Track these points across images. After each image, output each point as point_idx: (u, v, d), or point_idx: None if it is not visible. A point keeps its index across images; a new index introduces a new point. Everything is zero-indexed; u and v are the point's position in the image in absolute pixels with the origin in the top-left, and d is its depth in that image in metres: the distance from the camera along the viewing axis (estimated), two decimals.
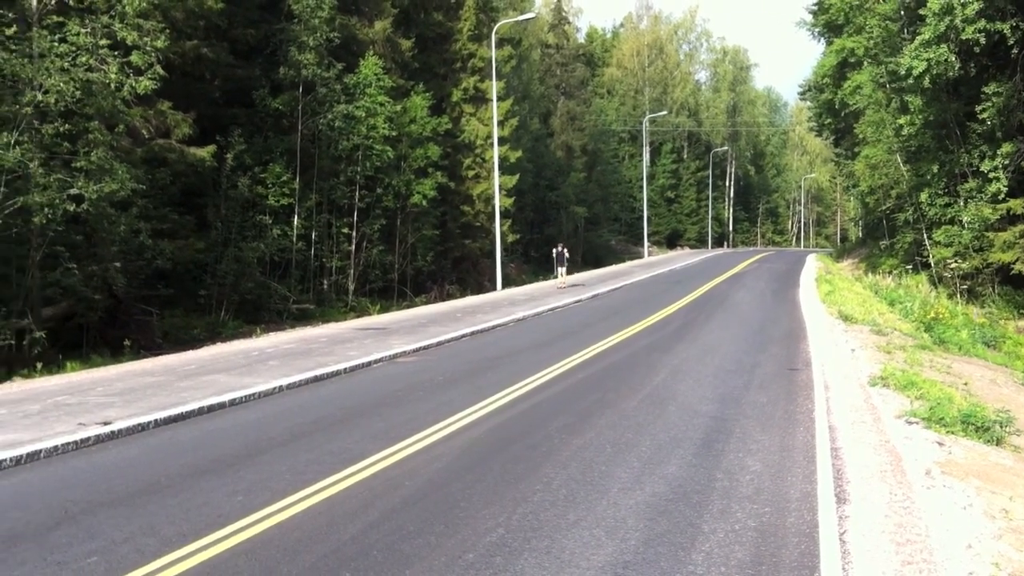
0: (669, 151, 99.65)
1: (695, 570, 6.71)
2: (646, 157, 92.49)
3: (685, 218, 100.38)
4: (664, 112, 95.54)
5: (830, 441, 10.78)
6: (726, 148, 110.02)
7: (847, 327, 22.60)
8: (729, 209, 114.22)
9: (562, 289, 35.51)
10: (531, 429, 11.38)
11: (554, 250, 38.63)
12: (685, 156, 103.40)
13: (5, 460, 9.78)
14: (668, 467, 9.52)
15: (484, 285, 44.26)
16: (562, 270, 37.38)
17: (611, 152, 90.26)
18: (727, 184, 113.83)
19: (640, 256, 74.85)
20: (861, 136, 51.05)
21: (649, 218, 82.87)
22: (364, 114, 34.39)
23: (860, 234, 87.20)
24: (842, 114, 58.43)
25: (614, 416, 12.10)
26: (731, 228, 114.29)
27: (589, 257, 70.66)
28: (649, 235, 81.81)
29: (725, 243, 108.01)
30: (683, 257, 69.86)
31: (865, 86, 47.75)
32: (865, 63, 47.29)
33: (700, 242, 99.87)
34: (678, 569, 6.71)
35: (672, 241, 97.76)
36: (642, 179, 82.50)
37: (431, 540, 7.31)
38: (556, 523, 7.72)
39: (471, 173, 47.04)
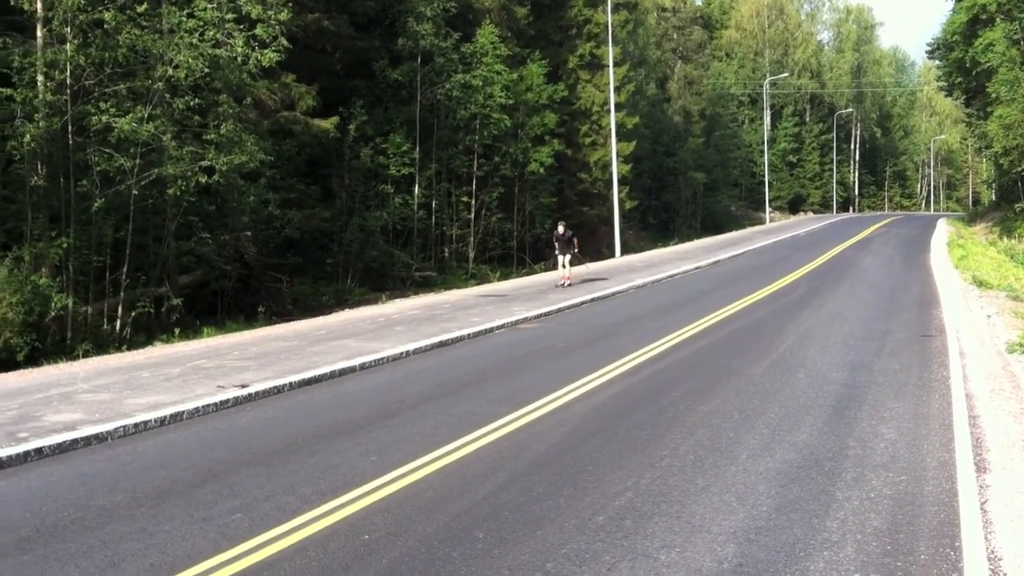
0: (791, 114, 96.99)
1: (830, 537, 6.62)
2: (767, 121, 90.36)
3: (808, 182, 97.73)
4: (785, 74, 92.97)
5: (967, 409, 10.44)
6: (850, 110, 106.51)
7: (981, 293, 21.78)
8: (854, 173, 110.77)
9: (563, 287, 24.54)
10: (655, 395, 11.36)
11: (555, 232, 26.20)
12: (808, 119, 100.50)
13: (151, 421, 10.26)
14: (798, 434, 9.38)
15: (602, 252, 44.05)
16: (564, 258, 25.11)
17: (730, 116, 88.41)
18: (852, 147, 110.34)
19: (761, 222, 73.36)
20: (994, 95, 48.78)
21: (770, 183, 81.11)
22: (481, 83, 34.53)
23: (993, 197, 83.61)
24: (973, 73, 55.91)
25: (740, 383, 11.97)
26: (856, 192, 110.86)
27: (708, 223, 69.68)
28: (770, 200, 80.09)
29: (850, 208, 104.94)
30: (806, 222, 68.19)
31: (998, 43, 45.59)
32: (998, 19, 45.13)
33: (824, 207, 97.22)
34: (812, 536, 6.63)
35: (794, 206, 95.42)
36: (763, 143, 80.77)
37: (560, 502, 7.39)
38: (685, 488, 7.70)
39: (588, 140, 46.80)
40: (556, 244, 25.41)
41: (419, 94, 33.60)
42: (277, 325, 19.31)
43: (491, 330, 17.24)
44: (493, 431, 9.68)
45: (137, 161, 19.88)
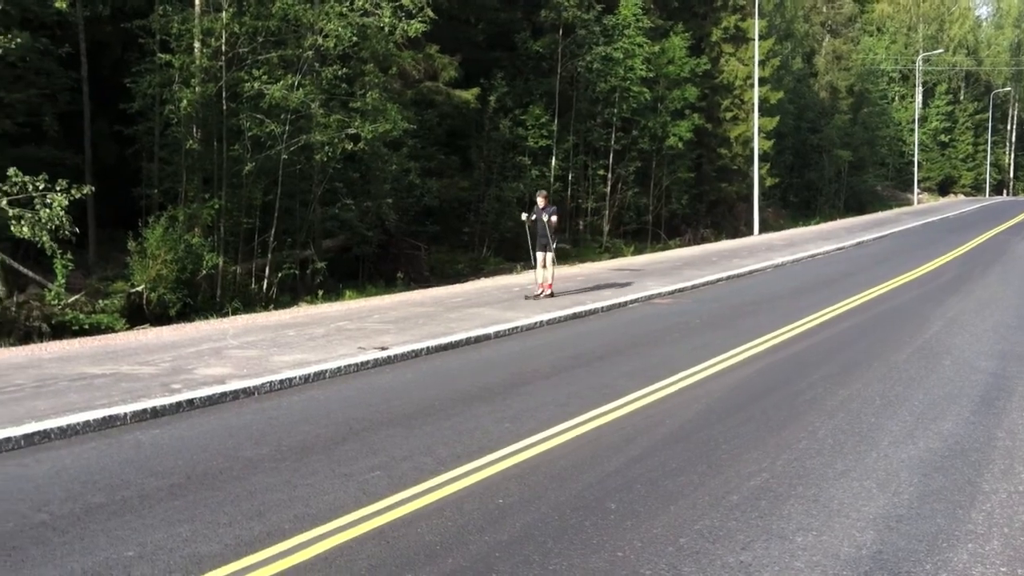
0: (944, 92, 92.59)
1: (975, 529, 6.38)
2: (918, 98, 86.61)
3: (960, 164, 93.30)
4: (939, 51, 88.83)
5: None
6: (1008, 89, 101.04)
7: None
8: (1010, 155, 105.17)
9: (535, 298, 17.34)
10: (792, 377, 11.13)
11: (529, 214, 18.01)
12: (962, 97, 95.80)
13: (295, 378, 10.65)
14: (943, 423, 9.05)
15: (740, 230, 43.30)
16: (545, 256, 17.49)
17: (879, 93, 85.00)
18: (1008, 128, 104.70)
19: (908, 203, 70.66)
20: None
21: (919, 163, 77.92)
22: (622, 55, 34.23)
23: None
24: None
25: (882, 368, 11.61)
26: (1011, 175, 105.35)
27: (851, 203, 67.41)
28: (919, 181, 76.98)
29: (1004, 191, 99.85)
30: (956, 205, 65.35)
31: None
32: None
33: (976, 190, 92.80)
34: (956, 527, 6.41)
35: (944, 188, 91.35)
36: (913, 122, 77.55)
37: (694, 479, 7.34)
38: (823, 472, 7.54)
39: (729, 115, 45.86)
40: (532, 227, 17.59)
41: (559, 66, 33.55)
42: (415, 291, 19.74)
43: (625, 304, 17.19)
44: (626, 404, 9.67)
45: (286, 127, 20.53)
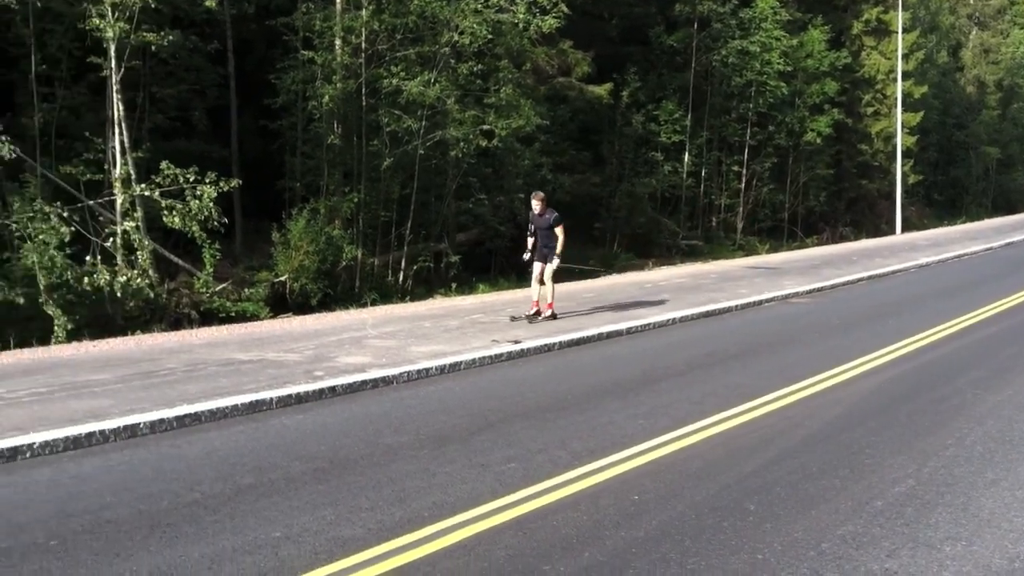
0: None
1: None
2: None
3: None
4: None
5: None
6: None
7: None
8: None
9: (525, 319, 14.36)
10: (937, 381, 10.72)
11: (530, 213, 14.74)
12: None
13: (432, 368, 10.84)
14: None
15: (881, 228, 41.93)
16: (545, 267, 14.28)
17: None
18: None
19: None
20: None
21: None
22: (759, 49, 33.56)
23: None
24: None
25: None
26: None
27: (1000, 202, 64.45)
28: None
29: None
30: None
31: None
32: None
33: None
34: None
35: None
36: None
37: (835, 483, 7.16)
38: (972, 480, 7.25)
39: (870, 110, 44.40)
40: (532, 235, 14.53)
41: (693, 60, 33.14)
42: None
43: (760, 303, 16.87)
44: (763, 405, 9.49)
45: (423, 123, 20.88)
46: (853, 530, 6.22)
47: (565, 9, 23.55)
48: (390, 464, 7.48)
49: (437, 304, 16.67)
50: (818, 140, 37.05)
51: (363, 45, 21.02)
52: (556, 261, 14.08)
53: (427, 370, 10.76)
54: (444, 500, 6.66)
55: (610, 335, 13.41)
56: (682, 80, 32.96)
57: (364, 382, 10.10)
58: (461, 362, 11.20)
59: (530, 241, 14.47)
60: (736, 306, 16.22)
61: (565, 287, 19.06)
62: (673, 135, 31.63)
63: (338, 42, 20.67)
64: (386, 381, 10.29)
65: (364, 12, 20.57)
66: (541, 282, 14.26)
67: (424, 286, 20.87)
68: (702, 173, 34.00)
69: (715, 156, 34.81)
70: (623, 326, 13.79)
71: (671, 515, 6.46)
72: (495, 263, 24.44)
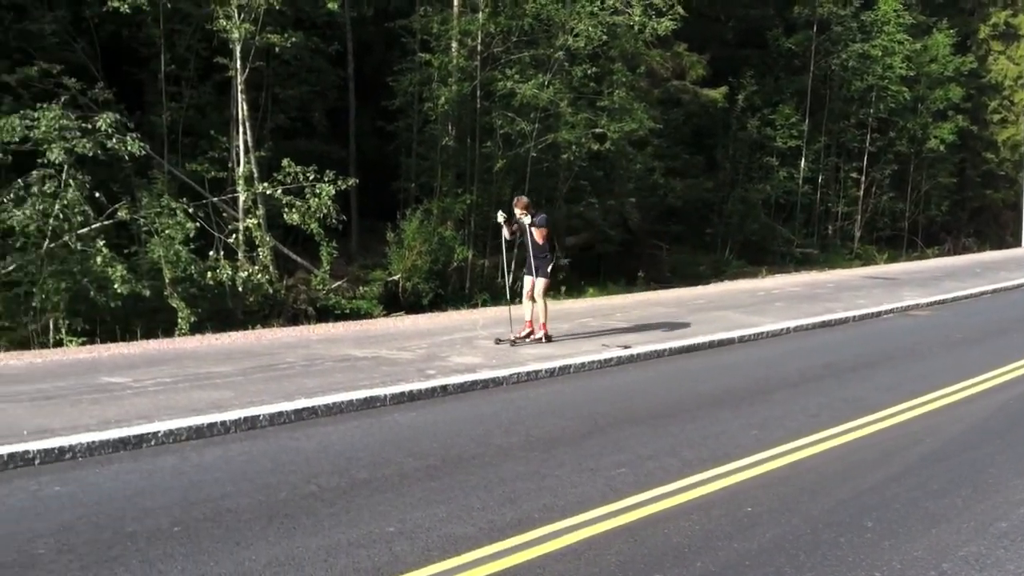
0: None
1: None
2: None
3: None
4: None
5: None
6: None
7: None
8: None
9: (510, 343, 12.41)
10: None
11: (508, 223, 12.70)
12: None
13: (541, 371, 10.87)
14: None
15: (1006, 240, 40.34)
16: (534, 283, 12.72)
17: None
18: None
19: None
20: None
21: None
22: (880, 53, 32.63)
23: None
24: None
25: None
26: None
27: None
28: None
29: None
30: None
31: None
32: None
33: None
34: None
35: None
36: None
37: (957, 502, 6.92)
38: None
39: (996, 117, 42.69)
40: (509, 236, 12.92)
41: (812, 64, 32.42)
42: (656, 291, 19.70)
43: (878, 314, 16.42)
44: (881, 419, 9.23)
45: (536, 125, 20.97)
46: (976, 551, 6.02)
47: (681, 11, 23.32)
48: (501, 465, 7.53)
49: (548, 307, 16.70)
50: (941, 148, 35.78)
51: (479, 48, 21.23)
52: (543, 280, 12.49)
53: (536, 372, 10.80)
54: (554, 503, 6.67)
55: (721, 343, 13.23)
56: (800, 84, 32.29)
57: (475, 382, 10.19)
58: (570, 365, 11.21)
59: (503, 229, 12.76)
60: (853, 317, 15.82)
61: (674, 293, 18.91)
62: (789, 140, 31.00)
63: (454, 45, 20.91)
64: (496, 382, 10.37)
65: (480, 15, 20.76)
66: (532, 299, 12.60)
67: None
68: (819, 179, 33.24)
69: (832, 162, 34.00)
70: (735, 334, 13.59)
71: (785, 528, 6.34)
72: (604, 267, 24.38)
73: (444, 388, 9.90)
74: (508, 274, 13.84)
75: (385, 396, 9.39)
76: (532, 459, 7.70)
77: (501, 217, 12.60)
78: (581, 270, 23.23)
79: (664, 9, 22.96)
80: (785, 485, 7.24)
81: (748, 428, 8.82)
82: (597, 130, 21.72)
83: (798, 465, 7.76)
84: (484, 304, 18.10)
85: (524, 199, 12.94)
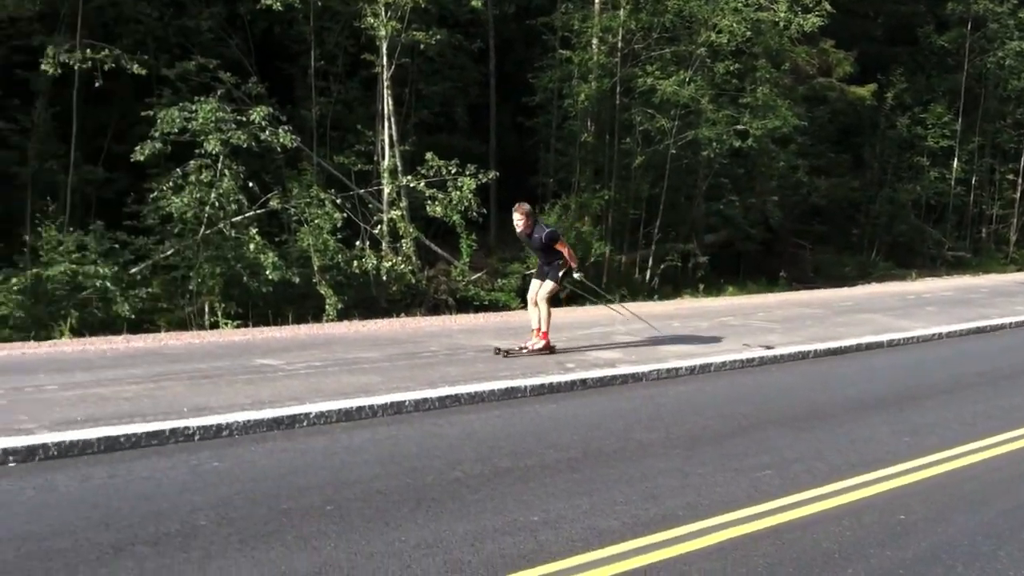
0: None
1: None
2: None
3: None
4: None
5: None
6: None
7: None
8: None
9: (504, 354, 11.07)
10: None
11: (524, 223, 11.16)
12: None
13: (682, 368, 10.77)
14: None
15: None
16: (540, 287, 11.29)
17: None
18: None
19: None
20: None
21: None
22: None
23: None
24: None
25: None
26: None
27: None
28: None
29: None
30: None
31: None
32: None
33: None
34: None
35: None
36: None
37: None
38: None
39: None
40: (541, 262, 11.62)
41: (966, 62, 31.05)
42: (799, 291, 19.31)
43: None
44: None
45: (676, 122, 20.76)
46: None
47: (828, 8, 22.68)
48: (642, 460, 7.49)
49: (685, 304, 16.56)
50: None
51: (619, 44, 21.13)
52: (550, 284, 11.17)
53: (677, 369, 10.70)
54: (698, 501, 6.59)
55: (869, 346, 12.85)
56: (952, 82, 30.97)
57: (614, 377, 10.17)
58: (711, 363, 11.07)
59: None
60: (1011, 323, 15.15)
61: (818, 294, 18.46)
62: (941, 140, 29.78)
63: (595, 41, 20.87)
64: (636, 377, 10.32)
65: (622, 12, 20.66)
66: (532, 303, 11.35)
67: (670, 285, 20.79)
68: (972, 181, 31.84)
69: (987, 163, 32.52)
70: (883, 338, 13.17)
71: (941, 538, 6.11)
72: (744, 266, 23.98)
73: (583, 382, 9.91)
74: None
75: (526, 387, 9.46)
76: (674, 456, 7.63)
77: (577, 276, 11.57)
78: (720, 268, 22.92)
79: (811, 5, 22.39)
80: (940, 494, 6.99)
81: (899, 434, 8.54)
82: (739, 127, 21.34)
83: (954, 474, 7.47)
84: (623, 300, 18.01)
85: (526, 206, 11.25)
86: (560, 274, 11.21)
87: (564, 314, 14.70)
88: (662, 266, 20.83)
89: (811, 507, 6.59)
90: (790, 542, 5.95)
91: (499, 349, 11.28)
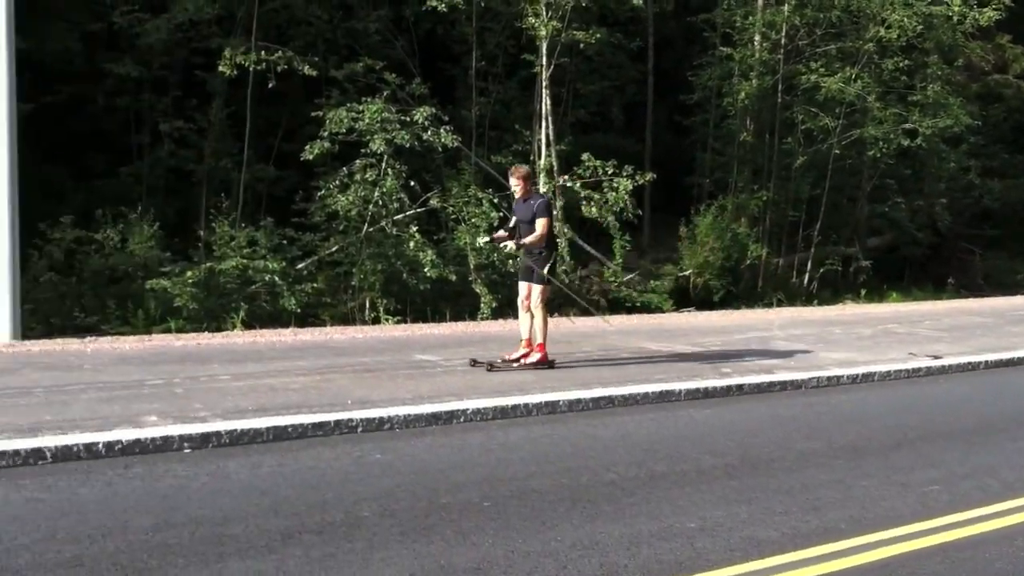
0: None
1: None
2: None
3: None
4: None
5: None
6: None
7: None
8: None
9: (487, 367, 9.97)
10: None
11: (515, 212, 10.55)
12: None
13: (843, 376, 10.49)
14: None
15: None
16: (530, 290, 10.12)
17: None
18: None
19: None
20: None
21: None
22: None
23: None
24: None
25: None
26: None
27: None
28: None
29: None
30: None
31: None
32: None
33: None
34: None
35: None
36: None
37: None
38: None
39: None
40: (508, 228, 10.54)
41: None
42: (968, 299, 18.47)
43: None
44: None
45: (840, 121, 20.19)
46: None
47: (1007, 1, 21.58)
48: (802, 470, 7.32)
49: (847, 310, 16.11)
50: None
51: (782, 41, 20.68)
52: (539, 288, 9.95)
53: (838, 377, 10.43)
54: (862, 515, 6.40)
55: None
56: None
57: (772, 383, 9.98)
58: (874, 372, 10.74)
59: (500, 233, 10.70)
60: None
61: (990, 302, 17.59)
62: None
63: (757, 38, 20.49)
64: (795, 384, 10.10)
65: (786, 7, 20.20)
66: (527, 309, 10.14)
67: (830, 290, 20.23)
68: None
69: None
70: None
71: None
72: (909, 271, 23.09)
73: (740, 387, 9.77)
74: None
75: (680, 391, 9.40)
76: (836, 467, 7.43)
77: (483, 241, 10.84)
78: (883, 274, 22.12)
79: None
80: None
81: None
82: (907, 126, 20.56)
83: None
84: (778, 304, 17.67)
85: (525, 168, 10.32)
86: (546, 269, 9.97)
87: (719, 318, 14.52)
88: (821, 270, 20.27)
89: (982, 525, 6.30)
90: (959, 561, 5.72)
91: (476, 361, 10.07)
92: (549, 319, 10.26)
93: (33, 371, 9.19)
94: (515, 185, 10.04)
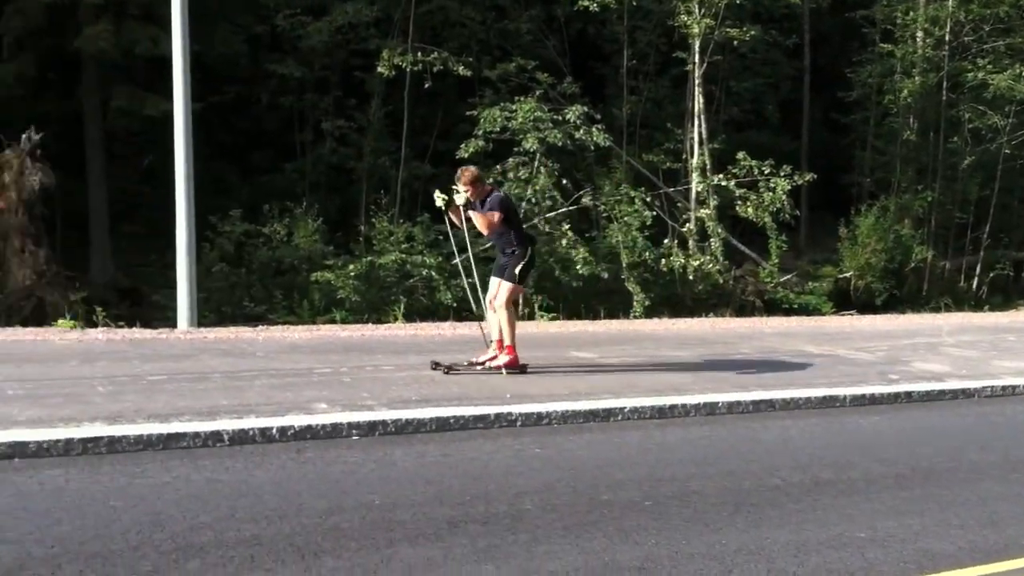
0: None
1: None
2: None
3: None
4: None
5: None
6: None
7: None
8: None
9: (445, 370, 9.19)
10: None
11: (450, 210, 9.36)
12: None
13: (1020, 386, 9.97)
14: None
15: None
16: (498, 288, 9.24)
17: None
18: None
19: None
20: None
21: None
22: None
23: None
24: None
25: None
26: None
27: None
28: None
29: None
30: None
31: None
32: None
33: None
34: None
35: None
36: None
37: None
38: None
39: None
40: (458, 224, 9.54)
41: None
42: None
43: None
44: None
45: (1010, 119, 19.36)
46: None
47: None
48: (977, 483, 7.00)
49: (1020, 316, 15.31)
50: None
51: (947, 37, 19.88)
52: (507, 285, 9.13)
53: (1014, 387, 9.91)
54: None
55: None
56: None
57: (942, 392, 9.58)
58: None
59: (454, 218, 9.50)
60: None
61: None
62: None
63: (920, 34, 19.80)
64: (966, 393, 9.67)
65: (950, 3, 19.47)
66: (493, 308, 9.43)
67: (1001, 295, 19.33)
68: None
69: None
70: None
71: None
72: None
73: (908, 394, 9.41)
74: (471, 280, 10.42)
75: (844, 397, 9.11)
76: (1013, 480, 7.07)
77: (440, 200, 9.23)
78: None
79: None
80: None
81: None
82: None
83: None
84: (945, 309, 16.96)
85: (470, 170, 9.26)
86: (518, 269, 9.14)
87: (883, 322, 14.05)
88: (991, 274, 19.40)
89: None
90: None
91: (437, 363, 9.32)
92: (516, 322, 9.54)
93: (210, 357, 9.63)
94: (464, 191, 9.08)
